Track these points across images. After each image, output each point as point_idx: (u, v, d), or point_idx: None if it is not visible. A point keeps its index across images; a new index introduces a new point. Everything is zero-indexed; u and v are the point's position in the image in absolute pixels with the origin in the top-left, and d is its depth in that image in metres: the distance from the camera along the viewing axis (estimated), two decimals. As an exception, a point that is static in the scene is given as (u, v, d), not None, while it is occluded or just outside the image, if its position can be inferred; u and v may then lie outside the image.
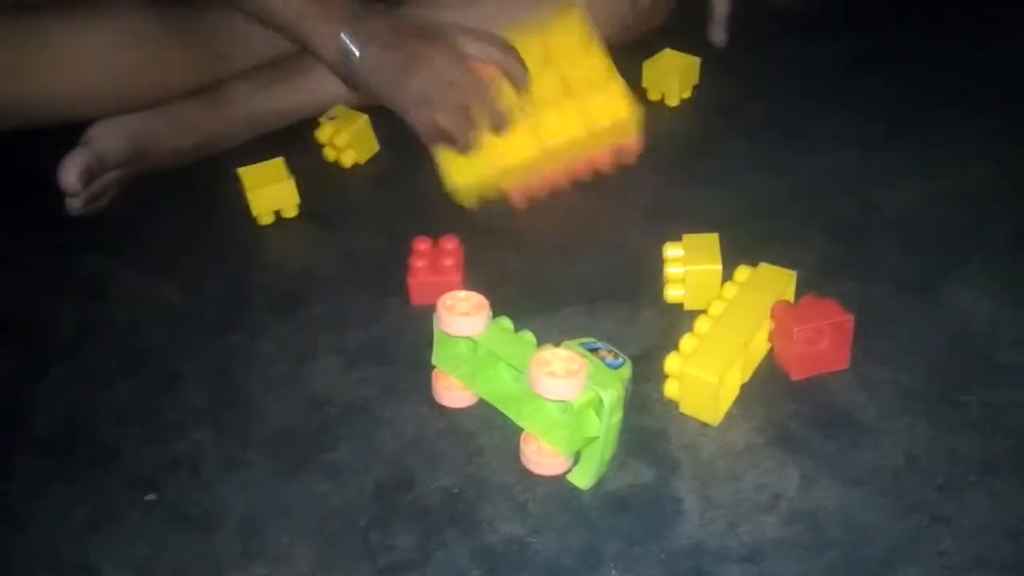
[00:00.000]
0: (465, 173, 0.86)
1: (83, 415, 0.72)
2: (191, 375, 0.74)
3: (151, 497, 0.65)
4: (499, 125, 0.84)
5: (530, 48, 0.87)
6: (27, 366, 0.76)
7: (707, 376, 0.64)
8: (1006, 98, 0.98)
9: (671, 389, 0.68)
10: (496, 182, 0.87)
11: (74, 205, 0.87)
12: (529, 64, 0.86)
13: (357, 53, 0.81)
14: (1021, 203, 0.85)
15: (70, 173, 0.84)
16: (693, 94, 1.01)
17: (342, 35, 0.81)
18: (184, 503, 0.65)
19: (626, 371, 0.66)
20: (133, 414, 0.72)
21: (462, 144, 0.84)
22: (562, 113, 0.86)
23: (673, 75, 0.99)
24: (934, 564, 0.58)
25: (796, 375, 0.69)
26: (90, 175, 0.86)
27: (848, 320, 0.68)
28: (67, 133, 0.88)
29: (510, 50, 0.85)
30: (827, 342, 0.69)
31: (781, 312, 0.69)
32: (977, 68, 1.02)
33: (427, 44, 0.83)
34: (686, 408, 0.67)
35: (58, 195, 0.87)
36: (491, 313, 0.68)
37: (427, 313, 0.71)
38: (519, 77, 0.84)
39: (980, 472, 0.63)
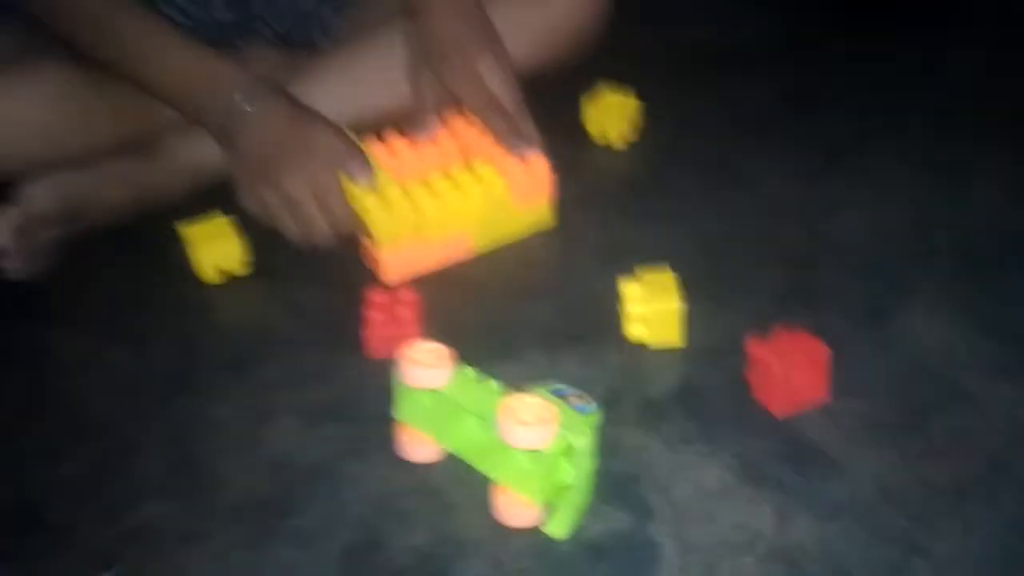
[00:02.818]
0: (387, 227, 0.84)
1: (33, 492, 0.68)
2: (145, 444, 0.72)
3: (109, 574, 0.62)
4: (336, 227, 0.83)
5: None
6: (-32, 444, 0.73)
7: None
8: (941, 127, 1.00)
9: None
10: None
11: (10, 267, 0.84)
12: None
13: (249, 109, 0.81)
14: (963, 228, 0.87)
15: (3, 229, 0.81)
16: (638, 133, 1.02)
17: (235, 96, 0.81)
18: (144, 580, 0.62)
19: (596, 416, 0.65)
20: (86, 488, 0.68)
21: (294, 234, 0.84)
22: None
23: (616, 117, 1.00)
24: (914, 594, 0.58)
25: (780, 412, 0.69)
26: (23, 235, 0.83)
27: (824, 350, 0.69)
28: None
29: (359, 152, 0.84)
30: (806, 375, 0.69)
31: (758, 348, 0.69)
32: (908, 98, 1.05)
33: (307, 130, 0.82)
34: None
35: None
36: (455, 361, 0.67)
37: (386, 367, 0.70)
38: (360, 176, 0.83)
39: (951, 499, 0.63)
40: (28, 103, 0.88)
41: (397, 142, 0.90)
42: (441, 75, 0.88)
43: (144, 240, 0.92)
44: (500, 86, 0.86)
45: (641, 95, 1.00)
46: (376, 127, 0.91)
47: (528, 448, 0.61)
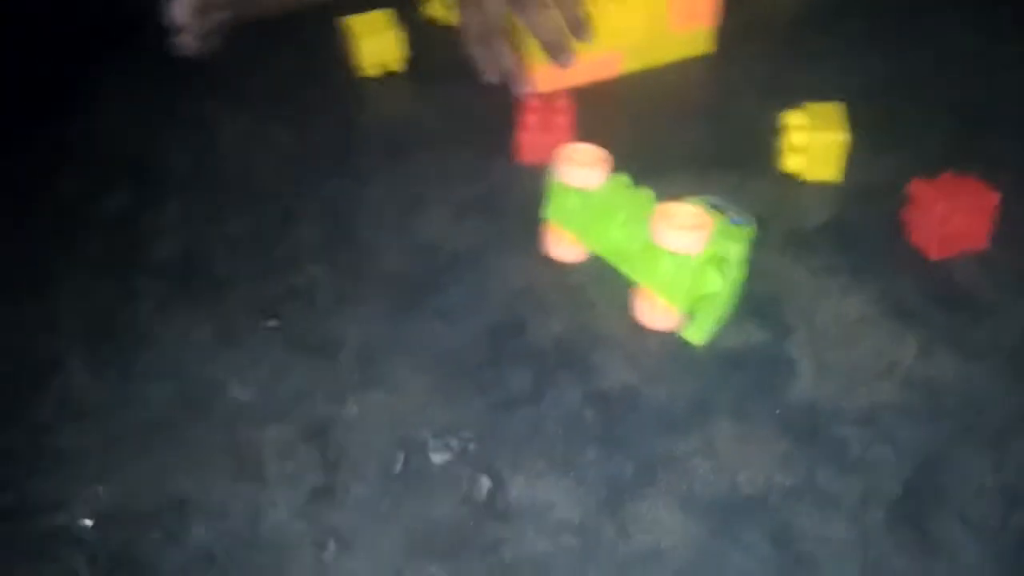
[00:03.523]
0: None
1: (201, 245, 0.73)
2: (304, 214, 0.75)
3: (272, 324, 0.67)
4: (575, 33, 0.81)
5: None
6: (144, 197, 0.78)
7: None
8: None
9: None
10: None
11: (184, 43, 0.87)
12: None
13: None
14: None
15: (183, 7, 0.84)
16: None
17: None
18: (303, 330, 0.66)
19: (751, 230, 0.65)
20: (249, 246, 0.73)
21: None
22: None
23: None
24: (1053, 437, 0.58)
25: (936, 254, 0.68)
26: (201, 12, 0.86)
27: (994, 197, 0.66)
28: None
29: None
30: (969, 220, 0.67)
31: (923, 188, 0.67)
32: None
33: None
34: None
35: (166, 35, 0.87)
36: (610, 168, 0.68)
37: (535, 170, 0.71)
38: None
39: (1103, 354, 0.62)
40: None
41: None
42: None
43: (307, 31, 0.94)
44: None
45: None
46: None
47: (679, 252, 0.62)
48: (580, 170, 0.67)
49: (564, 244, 0.70)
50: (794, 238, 0.71)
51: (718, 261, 0.62)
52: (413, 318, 0.67)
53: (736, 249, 0.61)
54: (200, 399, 0.62)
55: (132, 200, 0.78)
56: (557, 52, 0.82)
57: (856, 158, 0.75)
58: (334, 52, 0.90)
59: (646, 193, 0.67)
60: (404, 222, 0.75)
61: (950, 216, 0.67)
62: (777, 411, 0.60)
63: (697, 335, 0.64)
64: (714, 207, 0.65)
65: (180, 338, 0.66)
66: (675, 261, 0.63)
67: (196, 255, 0.72)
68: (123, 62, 0.93)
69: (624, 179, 0.68)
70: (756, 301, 0.67)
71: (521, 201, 0.75)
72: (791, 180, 0.76)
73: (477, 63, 0.84)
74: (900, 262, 0.69)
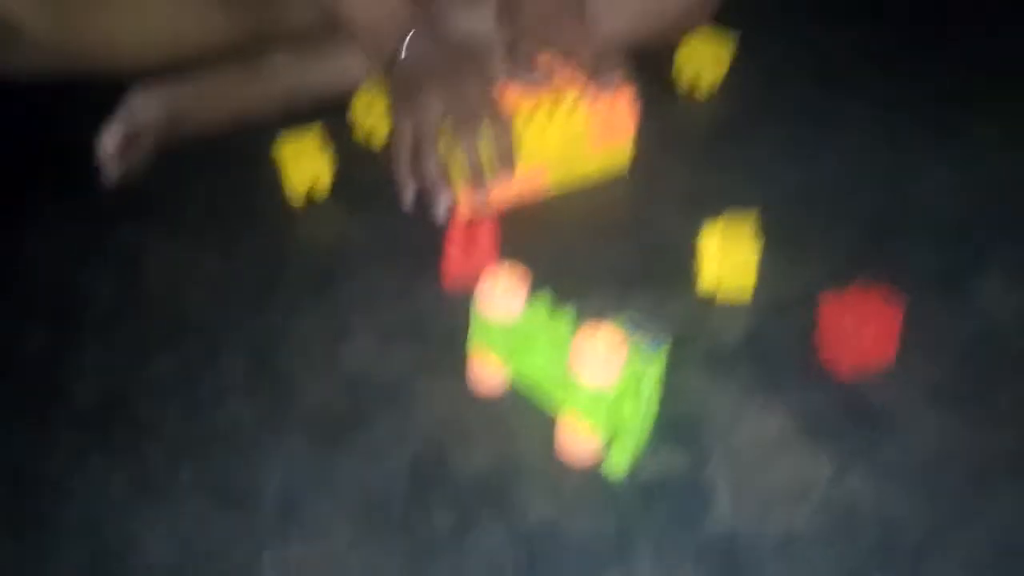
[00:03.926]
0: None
1: (122, 387, 0.73)
2: (229, 349, 0.75)
3: (193, 469, 0.66)
4: (475, 179, 0.83)
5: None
6: (65, 336, 0.77)
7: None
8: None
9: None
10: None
11: (111, 175, 0.88)
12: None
13: (403, 55, 0.82)
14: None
15: (110, 141, 0.85)
16: (723, 80, 1.01)
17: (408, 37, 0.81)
18: (223, 476, 0.66)
19: (664, 354, 0.66)
20: (171, 386, 0.72)
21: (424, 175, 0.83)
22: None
23: (706, 61, 0.99)
24: (966, 554, 0.59)
25: (846, 368, 0.70)
26: (128, 144, 0.87)
27: (899, 309, 0.69)
28: (101, 101, 0.88)
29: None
30: (876, 333, 0.69)
31: (831, 304, 0.70)
32: (1003, 60, 1.02)
33: (463, 66, 0.82)
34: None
35: (92, 164, 0.87)
36: (530, 291, 0.69)
37: (461, 295, 0.71)
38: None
39: (1012, 466, 0.64)
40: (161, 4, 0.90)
41: None
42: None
43: (235, 154, 0.95)
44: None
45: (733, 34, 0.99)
46: None
47: (597, 381, 0.63)
48: (501, 300, 0.68)
49: (488, 371, 0.71)
50: (711, 358, 0.73)
51: (634, 388, 0.63)
52: (336, 456, 0.67)
53: (651, 373, 0.62)
54: (114, 560, 0.61)
55: (51, 339, 0.77)
56: (478, 181, 0.83)
57: (770, 271, 0.77)
58: (263, 177, 0.91)
59: (567, 316, 0.68)
60: (330, 352, 0.75)
61: (858, 331, 0.69)
62: (695, 544, 0.60)
63: (617, 464, 0.65)
64: (631, 326, 0.66)
65: (97, 490, 0.65)
66: (593, 389, 0.64)
67: (116, 399, 0.72)
68: (49, 190, 0.93)
69: (545, 302, 0.69)
70: (675, 424, 0.68)
71: (447, 326, 0.75)
72: (707, 297, 0.77)
73: (398, 178, 0.84)
74: (813, 378, 0.71)
